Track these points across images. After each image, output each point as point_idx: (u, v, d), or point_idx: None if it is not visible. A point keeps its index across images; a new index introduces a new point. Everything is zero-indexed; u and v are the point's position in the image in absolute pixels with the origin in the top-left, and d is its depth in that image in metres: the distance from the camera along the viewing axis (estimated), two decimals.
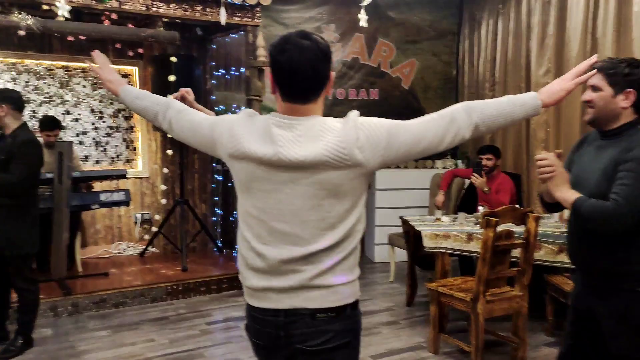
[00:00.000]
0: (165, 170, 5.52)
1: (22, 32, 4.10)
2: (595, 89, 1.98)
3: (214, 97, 5.92)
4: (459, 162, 6.40)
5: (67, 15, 3.73)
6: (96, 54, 1.92)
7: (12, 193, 3.32)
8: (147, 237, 5.75)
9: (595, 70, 1.96)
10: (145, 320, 4.21)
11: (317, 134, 1.49)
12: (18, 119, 3.44)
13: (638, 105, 1.97)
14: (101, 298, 4.43)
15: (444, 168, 6.38)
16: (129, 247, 5.80)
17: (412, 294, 4.60)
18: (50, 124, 4.78)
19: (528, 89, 5.04)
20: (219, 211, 6.05)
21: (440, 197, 5.16)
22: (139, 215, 5.91)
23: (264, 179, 1.52)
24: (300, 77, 1.49)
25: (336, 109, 6.60)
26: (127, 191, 4.88)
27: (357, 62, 6.72)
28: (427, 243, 3.84)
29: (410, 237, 4.51)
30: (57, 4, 3.68)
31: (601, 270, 2.00)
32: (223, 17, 4.43)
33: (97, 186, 5.28)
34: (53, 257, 4.48)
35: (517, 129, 5.24)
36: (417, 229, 4.01)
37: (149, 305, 4.57)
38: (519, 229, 3.40)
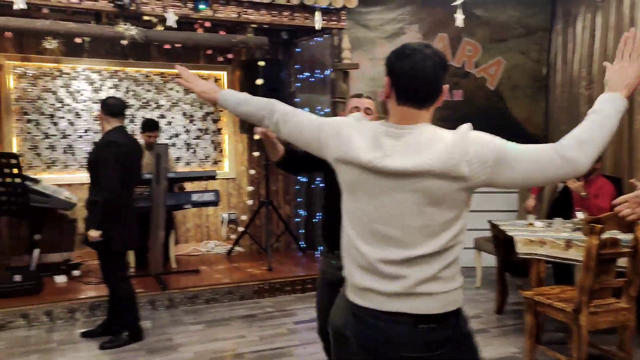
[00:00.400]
0: (252, 171, 5.67)
1: (125, 42, 4.35)
2: None
3: (298, 100, 6.01)
4: None
5: (174, 25, 3.94)
6: (180, 69, 1.95)
7: (107, 195, 3.50)
8: (233, 236, 5.93)
9: None
10: (235, 317, 4.34)
11: (425, 143, 1.49)
12: (111, 123, 3.65)
13: None
14: (194, 294, 4.62)
15: None
16: (216, 246, 6.01)
17: (502, 302, 4.45)
18: (151, 125, 5.06)
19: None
20: (302, 212, 6.14)
21: (531, 202, 4.96)
22: (225, 215, 6.11)
23: (368, 184, 1.54)
24: (420, 81, 1.50)
25: None
26: (216, 192, 5.06)
27: None
28: (521, 249, 3.70)
29: (500, 242, 4.37)
30: (165, 15, 3.88)
31: None
32: (318, 22, 4.51)
33: (187, 186, 5.51)
34: (151, 253, 4.72)
35: (617, 130, 4.93)
36: (509, 234, 3.87)
37: (237, 302, 4.70)
38: (625, 237, 3.20)
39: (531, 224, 4.16)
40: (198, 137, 6.09)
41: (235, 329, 4.08)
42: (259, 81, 5.12)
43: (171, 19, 3.87)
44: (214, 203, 5.05)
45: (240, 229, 5.75)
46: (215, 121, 6.17)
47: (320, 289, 2.81)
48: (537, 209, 5.00)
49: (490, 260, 5.15)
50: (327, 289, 2.69)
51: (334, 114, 4.97)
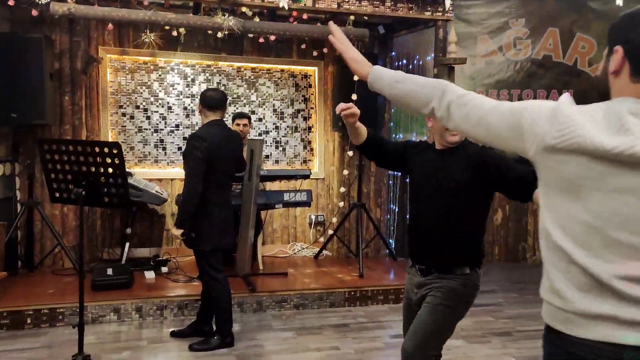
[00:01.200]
0: (346, 172, 5.40)
1: (222, 34, 4.22)
2: None
3: None
4: None
5: (286, 6, 3.83)
6: (333, 27, 1.70)
7: (185, 192, 3.36)
8: (321, 239, 5.68)
9: None
10: (327, 326, 4.08)
11: None
12: (208, 117, 3.49)
13: None
14: (282, 298, 4.41)
15: None
16: (303, 249, 5.79)
17: None
18: (240, 114, 4.98)
19: None
20: (393, 217, 5.81)
21: None
22: (313, 217, 5.88)
23: (604, 177, 1.18)
24: None
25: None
26: (309, 192, 4.83)
27: (549, 60, 6.06)
28: None
29: None
30: None
31: None
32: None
33: (273, 186, 5.32)
34: (239, 253, 4.56)
35: None
36: None
37: (327, 309, 4.45)
38: None
39: None
40: (288, 135, 5.91)
41: (328, 339, 3.81)
42: (357, 77, 4.84)
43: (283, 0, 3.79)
44: (307, 204, 4.83)
45: (330, 231, 5.49)
46: (306, 119, 5.97)
47: (403, 309, 2.54)
48: None
49: None
50: (408, 310, 2.47)
51: None
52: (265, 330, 3.95)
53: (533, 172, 1.38)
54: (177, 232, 3.36)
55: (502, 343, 3.84)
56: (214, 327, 3.67)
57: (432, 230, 2.32)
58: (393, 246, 5.70)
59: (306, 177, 4.97)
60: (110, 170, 2.72)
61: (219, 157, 3.43)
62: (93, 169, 2.75)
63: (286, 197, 4.70)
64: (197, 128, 5.56)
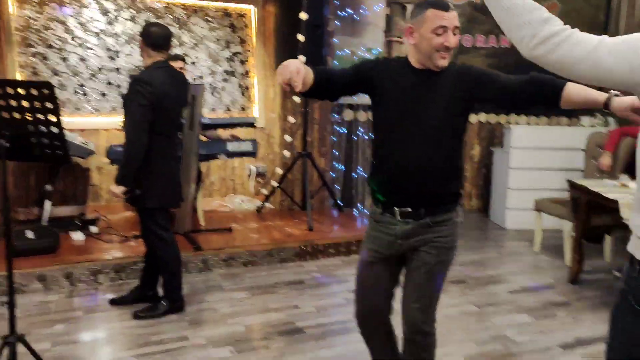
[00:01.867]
0: (292, 119, 5.05)
1: None
2: None
3: (337, 41, 5.35)
4: (611, 119, 5.59)
5: None
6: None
7: (128, 143, 2.91)
8: (264, 191, 5.36)
9: None
10: (281, 283, 3.83)
11: None
12: (152, 57, 3.02)
13: None
14: (230, 255, 4.09)
15: (591, 126, 5.60)
16: (243, 202, 5.46)
17: (578, 271, 3.98)
18: (173, 55, 4.41)
19: None
20: (339, 167, 5.58)
21: (607, 160, 4.45)
22: (253, 168, 5.54)
23: None
24: None
25: (462, 58, 5.90)
26: (254, 141, 4.47)
27: None
28: (626, 214, 3.19)
29: (581, 205, 3.86)
30: None
31: None
32: None
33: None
34: (178, 209, 4.16)
35: None
36: (608, 196, 3.36)
37: (278, 265, 4.20)
38: None
39: (624, 185, 3.64)
40: (224, 80, 5.44)
41: (285, 297, 3.57)
42: (303, 15, 4.46)
43: None
44: (252, 154, 4.47)
45: (274, 183, 5.17)
46: (243, 62, 5.52)
47: (365, 265, 2.15)
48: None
49: (548, 222, 4.68)
50: (376, 266, 2.12)
51: (388, 55, 4.34)
52: (216, 291, 3.64)
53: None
54: (118, 189, 2.92)
55: (460, 291, 3.78)
56: (160, 292, 3.32)
57: (419, 166, 1.97)
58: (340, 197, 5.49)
59: (251, 124, 4.59)
60: (40, 116, 2.22)
61: (166, 104, 2.99)
62: (19, 116, 2.24)
63: (230, 147, 4.31)
64: (122, 72, 4.98)
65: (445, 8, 1.87)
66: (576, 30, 1.26)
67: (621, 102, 1.69)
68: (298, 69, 1.70)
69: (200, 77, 5.31)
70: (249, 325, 3.14)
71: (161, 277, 3.28)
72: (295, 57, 4.56)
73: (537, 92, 1.87)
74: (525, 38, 1.25)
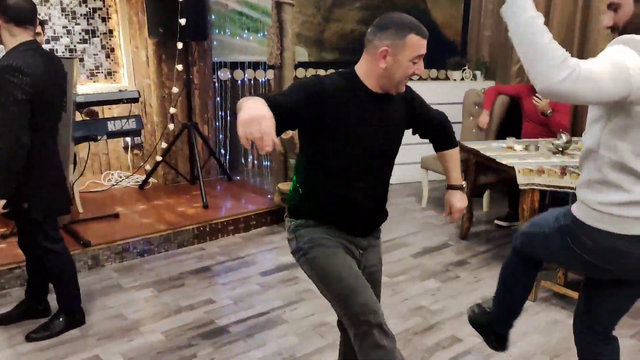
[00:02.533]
0: (175, 89, 4.59)
1: None
2: None
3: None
4: (478, 72, 5.93)
5: None
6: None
7: (5, 143, 2.38)
8: (148, 167, 4.91)
9: None
10: (186, 273, 3.59)
11: None
12: (15, 36, 2.47)
13: None
14: (123, 247, 3.72)
15: (461, 80, 5.90)
16: (121, 178, 4.97)
17: (468, 228, 4.26)
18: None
19: None
20: (221, 135, 5.29)
21: (485, 118, 4.72)
22: (129, 140, 5.02)
23: None
24: None
25: (337, 11, 5.82)
26: (138, 118, 4.01)
27: None
28: (521, 180, 3.41)
29: (471, 165, 4.08)
30: None
31: None
32: None
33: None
34: None
35: (568, 43, 4.76)
36: (502, 162, 3.56)
37: (177, 251, 3.92)
38: None
39: (510, 148, 3.89)
40: (84, 42, 4.77)
41: (195, 291, 3.35)
42: None
43: None
44: (137, 132, 4.01)
45: (158, 157, 4.74)
46: (105, 20, 4.86)
47: (340, 254, 1.87)
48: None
49: (432, 174, 4.92)
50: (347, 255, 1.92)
51: (279, 20, 4.08)
52: (116, 292, 3.31)
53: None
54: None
55: None
56: (51, 304, 2.92)
57: (376, 198, 1.92)
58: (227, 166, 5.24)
59: (135, 100, 4.09)
60: None
61: (46, 95, 2.49)
62: None
63: (111, 126, 3.82)
64: None
65: (425, 34, 1.74)
66: (580, 62, 1.45)
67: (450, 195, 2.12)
68: (269, 127, 1.36)
69: (56, 39, 4.59)
70: (166, 332, 2.90)
71: (55, 287, 2.87)
72: (175, 18, 4.11)
73: (439, 136, 2.10)
74: (550, 75, 1.41)
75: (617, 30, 1.70)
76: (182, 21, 4.07)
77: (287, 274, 3.58)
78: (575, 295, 3.13)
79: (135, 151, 5.12)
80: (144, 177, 4.94)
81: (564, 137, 3.75)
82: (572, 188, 3.44)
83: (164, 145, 4.67)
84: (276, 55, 4.11)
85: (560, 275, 3.44)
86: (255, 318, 3.05)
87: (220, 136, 5.32)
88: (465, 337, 2.88)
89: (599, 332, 2.01)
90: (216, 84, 5.21)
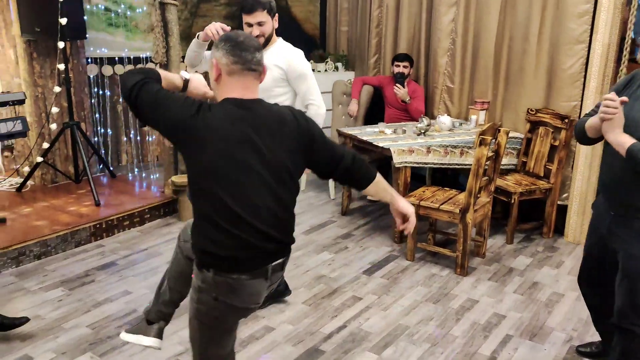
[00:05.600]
0: (57, 89, 4.44)
1: None
2: None
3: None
4: (340, 64, 6.50)
5: None
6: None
7: None
8: (27, 168, 4.70)
9: None
10: (93, 270, 3.63)
11: None
12: None
13: None
14: (20, 251, 3.64)
15: (325, 71, 6.43)
16: None
17: (348, 204, 4.80)
18: None
19: None
20: (102, 131, 5.23)
21: (354, 106, 5.28)
22: None
23: None
24: None
25: (204, 6, 6.02)
26: (23, 119, 3.87)
27: None
28: (397, 159, 4.00)
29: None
30: None
31: (633, 202, 2.16)
32: None
33: None
34: None
35: (416, 38, 5.47)
36: (380, 145, 4.11)
37: (75, 250, 3.91)
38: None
39: (382, 132, 4.47)
40: None
41: (108, 286, 3.43)
42: None
43: None
44: (22, 134, 3.87)
45: (39, 158, 4.56)
46: None
47: None
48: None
49: None
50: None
51: (163, 19, 4.20)
52: (24, 296, 3.27)
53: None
54: None
55: None
56: None
57: None
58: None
59: (22, 102, 3.93)
60: None
61: None
62: None
63: None
64: None
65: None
66: None
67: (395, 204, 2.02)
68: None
69: None
70: (91, 325, 2.99)
71: None
72: (54, 17, 4.04)
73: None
74: None
75: None
76: (63, 20, 4.01)
77: None
78: (443, 251, 3.81)
79: (6, 153, 4.87)
80: (17, 179, 4.74)
81: (425, 121, 4.42)
82: (434, 163, 4.13)
83: (45, 145, 4.52)
84: (162, 53, 4.24)
85: (430, 237, 4.12)
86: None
87: (100, 132, 5.24)
88: (364, 296, 3.38)
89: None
90: (91, 80, 5.13)
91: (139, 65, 5.43)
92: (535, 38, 4.35)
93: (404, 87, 4.97)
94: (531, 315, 3.20)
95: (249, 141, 1.71)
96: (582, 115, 3.81)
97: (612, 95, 2.05)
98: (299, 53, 2.88)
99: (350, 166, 1.93)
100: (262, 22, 2.70)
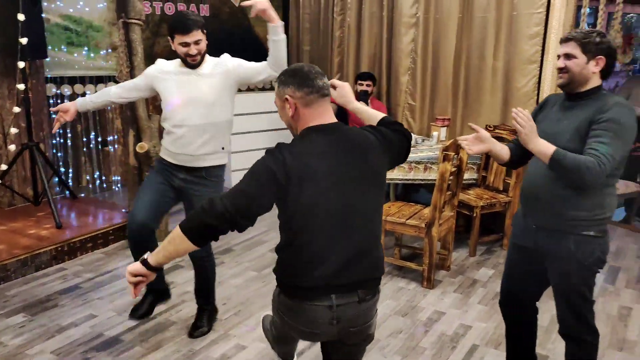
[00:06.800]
0: (17, 109, 4.33)
1: None
2: (569, 56, 2.20)
3: (47, 31, 4.75)
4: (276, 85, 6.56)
5: None
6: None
7: None
8: None
9: None
10: (55, 294, 3.54)
11: None
12: None
13: (604, 71, 2.22)
14: None
15: (273, 89, 6.47)
16: None
17: None
18: None
19: None
20: (60, 153, 5.12)
21: None
22: None
23: None
24: None
25: (165, 26, 6.02)
26: None
27: None
28: None
29: None
30: None
31: (555, 214, 2.21)
32: None
33: None
34: None
35: (378, 57, 5.60)
36: None
37: (36, 275, 3.80)
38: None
39: None
40: None
41: (72, 310, 3.34)
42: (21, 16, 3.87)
43: None
44: None
45: None
46: None
47: None
48: None
49: None
50: None
51: (127, 39, 4.18)
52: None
53: None
54: None
55: (233, 260, 4.18)
56: None
57: None
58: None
59: None
60: None
61: None
62: None
63: None
64: None
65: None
66: None
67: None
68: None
69: None
70: (56, 351, 2.90)
71: None
72: (14, 36, 3.98)
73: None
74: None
75: None
76: (24, 40, 3.95)
77: None
78: (410, 264, 3.88)
79: None
80: None
81: None
82: (399, 179, 4.22)
83: (4, 167, 4.40)
84: (126, 73, 4.21)
85: (396, 252, 4.19)
86: (144, 324, 3.20)
87: (60, 154, 5.14)
88: None
89: None
90: (50, 101, 5.03)
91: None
92: (491, 58, 4.54)
93: (367, 105, 5.07)
94: (495, 325, 3.29)
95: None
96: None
97: (520, 109, 2.14)
98: (226, 54, 2.97)
99: (390, 121, 2.07)
100: (199, 40, 2.75)
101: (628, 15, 6.86)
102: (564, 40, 2.23)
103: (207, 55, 2.90)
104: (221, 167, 2.97)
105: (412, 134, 4.61)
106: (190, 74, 2.83)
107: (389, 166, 1.94)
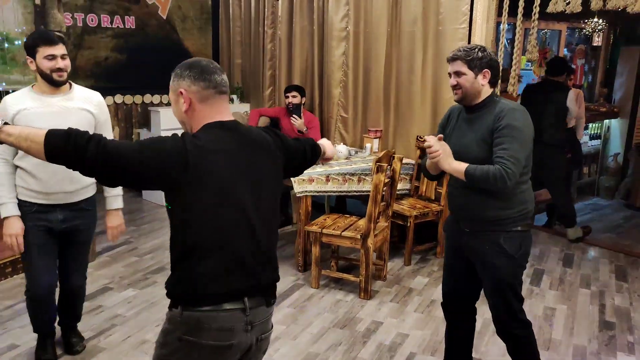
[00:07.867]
0: None
1: None
2: (459, 74, 2.37)
3: None
4: (234, 96, 6.52)
5: None
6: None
7: None
8: None
9: None
10: None
11: None
12: None
13: (492, 81, 2.41)
14: None
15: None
16: None
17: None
18: None
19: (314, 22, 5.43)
20: None
21: None
22: None
23: None
24: None
25: (88, 39, 5.83)
26: None
27: None
28: (297, 189, 4.05)
29: None
30: None
31: (482, 217, 2.39)
32: None
33: None
34: None
35: (310, 70, 5.64)
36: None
37: None
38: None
39: None
40: None
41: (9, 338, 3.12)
42: None
43: None
44: None
45: None
46: None
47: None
48: None
49: None
50: None
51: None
52: None
53: None
54: None
55: None
56: None
57: None
58: None
59: None
60: None
61: None
62: None
63: None
64: None
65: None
66: None
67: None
68: None
69: None
70: None
71: None
72: None
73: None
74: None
75: None
76: None
77: (89, 305, 3.56)
78: (347, 276, 3.89)
79: None
80: None
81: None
82: (334, 191, 4.24)
83: None
84: None
85: (333, 264, 4.20)
86: (71, 352, 3.02)
87: None
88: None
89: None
90: None
91: None
92: (419, 70, 4.67)
93: (300, 117, 5.08)
94: (431, 332, 3.35)
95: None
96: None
97: (430, 141, 2.31)
98: (100, 96, 2.85)
99: (311, 146, 2.07)
100: (65, 55, 2.61)
101: (543, 31, 7.30)
102: (451, 60, 2.39)
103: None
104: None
105: (345, 146, 4.74)
106: (54, 96, 2.62)
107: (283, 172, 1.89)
